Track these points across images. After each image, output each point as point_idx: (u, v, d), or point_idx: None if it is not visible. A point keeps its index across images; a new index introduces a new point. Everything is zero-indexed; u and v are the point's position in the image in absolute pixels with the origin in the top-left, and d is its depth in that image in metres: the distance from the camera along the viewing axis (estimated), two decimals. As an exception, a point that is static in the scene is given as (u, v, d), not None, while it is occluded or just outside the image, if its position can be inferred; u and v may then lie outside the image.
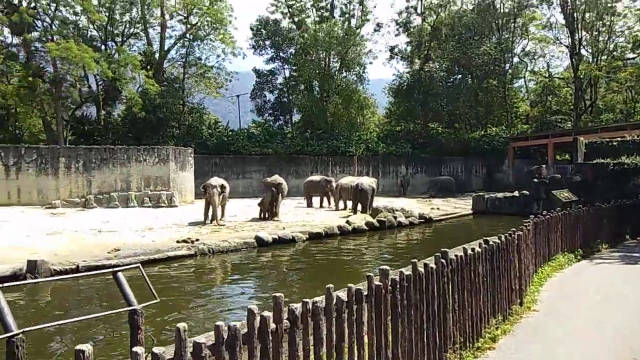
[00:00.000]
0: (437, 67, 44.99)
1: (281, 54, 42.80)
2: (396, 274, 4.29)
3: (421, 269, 4.56)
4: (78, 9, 31.80)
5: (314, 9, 43.67)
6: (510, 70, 45.98)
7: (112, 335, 7.03)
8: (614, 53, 43.71)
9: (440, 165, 39.63)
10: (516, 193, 24.81)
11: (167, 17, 36.56)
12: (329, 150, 36.25)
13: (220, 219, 18.53)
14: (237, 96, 43.63)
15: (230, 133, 36.93)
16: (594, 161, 20.71)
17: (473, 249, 5.72)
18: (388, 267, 4.16)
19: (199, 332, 5.70)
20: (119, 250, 12.88)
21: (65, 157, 23.74)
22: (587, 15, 41.98)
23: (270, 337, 3.03)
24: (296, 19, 43.12)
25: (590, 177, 20.10)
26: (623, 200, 14.72)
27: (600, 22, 42.34)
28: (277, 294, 3.15)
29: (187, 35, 36.91)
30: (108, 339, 6.96)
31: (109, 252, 12.55)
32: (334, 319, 3.54)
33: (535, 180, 23.14)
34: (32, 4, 30.36)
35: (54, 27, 32.24)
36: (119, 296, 3.99)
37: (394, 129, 43.95)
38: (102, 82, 34.19)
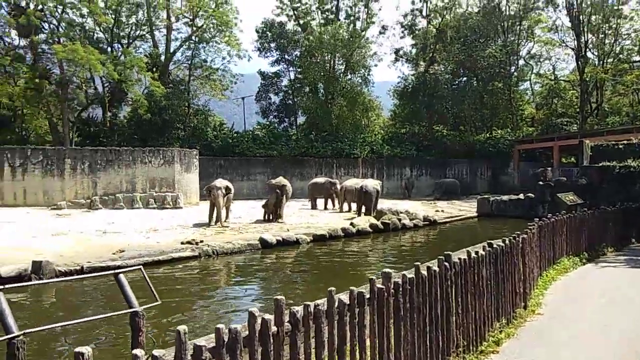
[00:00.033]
0: (442, 69, 44.91)
1: (286, 57, 42.85)
2: (399, 277, 4.27)
3: (424, 272, 4.54)
4: (85, 11, 31.96)
5: (319, 12, 43.71)
6: (515, 73, 45.85)
7: (114, 336, 7.04)
8: (620, 56, 43.51)
9: (445, 167, 39.53)
10: (521, 196, 24.69)
11: (173, 19, 36.72)
12: (333, 152, 36.24)
13: (225, 221, 18.57)
14: (242, 98, 43.73)
15: (235, 135, 36.98)
16: (600, 164, 20.61)
17: (477, 252, 5.69)
18: (390, 270, 4.15)
19: (202, 334, 5.70)
20: (123, 251, 12.93)
21: (71, 158, 23.83)
22: (593, 17, 41.82)
23: (272, 340, 3.02)
24: (301, 22, 43.16)
25: (596, 180, 20.00)
26: (629, 203, 14.64)
27: (607, 25, 42.15)
28: (279, 297, 3.14)
29: (193, 37, 37.02)
30: (111, 341, 6.97)
31: (113, 253, 12.60)
32: (335, 322, 3.53)
33: (541, 183, 23.06)
34: (40, 7, 30.51)
35: (60, 29, 32.41)
36: (123, 298, 3.99)
37: (399, 132, 43.88)
38: (108, 84, 34.32)
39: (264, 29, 42.62)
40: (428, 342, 4.51)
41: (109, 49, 34.59)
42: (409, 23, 46.70)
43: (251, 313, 2.97)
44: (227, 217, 19.18)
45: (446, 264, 4.95)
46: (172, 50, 37.13)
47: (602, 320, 6.84)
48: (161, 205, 24.05)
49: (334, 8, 43.49)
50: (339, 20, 42.28)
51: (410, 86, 44.52)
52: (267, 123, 41.77)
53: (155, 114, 32.48)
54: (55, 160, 23.54)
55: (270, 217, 19.58)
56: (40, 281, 8.47)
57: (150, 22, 36.14)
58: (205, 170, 28.62)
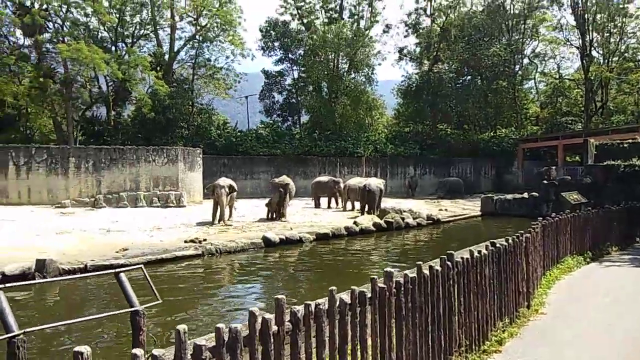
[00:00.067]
0: (446, 68, 44.81)
1: (290, 55, 42.84)
2: (401, 276, 4.26)
3: (426, 272, 4.53)
4: (89, 10, 32.02)
5: (323, 11, 43.68)
6: (520, 72, 45.68)
7: (116, 335, 7.05)
8: (626, 54, 43.32)
9: (449, 166, 39.44)
10: (525, 195, 24.61)
11: (176, 18, 36.73)
12: (337, 151, 36.22)
13: (228, 219, 18.59)
14: (246, 97, 43.74)
15: (239, 134, 37.01)
16: (605, 163, 20.53)
17: (480, 252, 5.67)
18: (392, 270, 4.13)
19: (205, 333, 5.70)
20: (127, 249, 12.96)
21: (75, 157, 23.91)
22: (598, 16, 41.63)
23: (272, 340, 3.01)
24: (305, 21, 43.14)
25: (600, 179, 19.92)
26: (633, 202, 14.56)
27: (612, 24, 41.95)
28: (280, 296, 3.13)
29: (197, 36, 37.05)
30: (113, 339, 6.99)
31: (117, 252, 12.63)
32: (337, 321, 3.52)
33: (545, 181, 22.97)
34: (44, 6, 30.60)
35: (65, 28, 32.51)
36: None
37: (403, 130, 43.80)
38: (112, 83, 34.41)
39: (268, 28, 42.62)
40: (430, 341, 4.49)
41: (113, 48, 34.68)
42: (413, 22, 46.61)
43: (251, 312, 2.97)
44: (230, 215, 19.19)
45: (449, 263, 4.93)
46: (176, 49, 37.16)
47: (606, 320, 6.81)
48: (165, 203, 24.10)
49: (337, 7, 43.45)
50: (343, 19, 42.24)
51: (414, 85, 44.42)
52: (271, 122, 41.78)
53: (159, 112, 32.53)
54: (60, 159, 23.62)
55: (274, 216, 19.59)
56: (41, 280, 8.48)
57: (154, 21, 36.20)
58: (208, 169, 28.65)
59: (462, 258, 5.23)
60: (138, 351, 2.36)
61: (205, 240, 14.41)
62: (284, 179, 20.43)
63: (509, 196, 25.64)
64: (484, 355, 5.36)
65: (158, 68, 34.47)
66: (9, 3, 31.52)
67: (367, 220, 18.72)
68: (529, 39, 46.21)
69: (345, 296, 3.67)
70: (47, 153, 23.71)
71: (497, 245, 6.19)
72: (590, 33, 41.90)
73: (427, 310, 4.48)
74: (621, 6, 40.95)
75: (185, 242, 14.20)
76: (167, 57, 36.72)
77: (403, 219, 19.43)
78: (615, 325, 6.55)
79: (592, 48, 42.79)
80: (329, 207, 25.09)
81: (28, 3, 31.32)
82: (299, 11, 43.11)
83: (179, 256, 12.66)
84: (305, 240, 15.46)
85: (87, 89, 33.77)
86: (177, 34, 37.45)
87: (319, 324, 3.37)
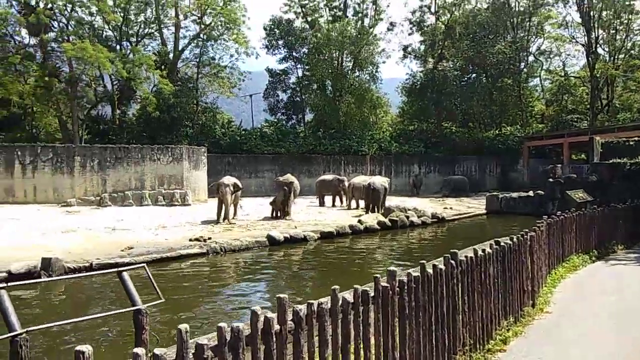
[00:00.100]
0: (451, 66, 44.65)
1: (294, 54, 42.79)
2: (404, 275, 4.24)
3: (430, 271, 4.51)
4: (93, 9, 32.13)
5: (327, 9, 43.61)
6: (525, 69, 45.45)
7: (121, 333, 7.07)
8: (632, 52, 43.00)
9: (454, 164, 39.33)
10: (531, 193, 24.51)
11: (181, 17, 36.80)
12: (341, 149, 36.19)
13: (233, 218, 18.62)
14: (250, 96, 43.74)
15: (243, 132, 37.04)
16: (610, 161, 20.44)
17: (484, 250, 5.65)
18: (395, 269, 4.12)
19: (210, 331, 5.71)
20: (132, 248, 13.01)
21: (80, 156, 23.99)
22: (604, 13, 41.33)
23: (274, 339, 3.01)
24: (309, 19, 43.08)
25: (606, 177, 19.82)
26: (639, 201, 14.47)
27: (618, 21, 41.64)
28: (282, 295, 3.13)
29: (201, 35, 37.09)
30: (118, 338, 7.00)
31: (122, 250, 12.68)
32: (339, 320, 3.51)
33: (550, 180, 22.87)
34: (49, 5, 30.72)
35: (70, 27, 32.60)
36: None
37: (407, 128, 43.71)
38: (117, 82, 34.52)
39: (272, 26, 42.60)
40: (434, 340, 4.48)
41: (118, 47, 34.78)
42: (418, 19, 46.44)
43: (253, 311, 2.97)
44: (235, 214, 19.24)
45: (452, 262, 4.91)
46: (180, 48, 37.24)
47: (612, 318, 6.78)
48: (170, 202, 24.16)
49: (342, 5, 43.37)
50: (347, 17, 42.15)
51: (418, 83, 44.31)
52: (275, 120, 41.78)
53: (164, 111, 32.62)
54: (65, 158, 23.71)
55: (278, 215, 19.60)
56: (45, 279, 8.54)
57: (158, 20, 36.26)
58: (213, 167, 28.69)
59: (466, 257, 5.22)
60: (140, 350, 2.36)
61: (210, 238, 14.44)
62: (289, 177, 20.43)
63: (514, 194, 25.54)
64: (488, 355, 5.34)
65: (162, 67, 34.55)
66: (14, 2, 31.72)
67: (372, 219, 18.69)
68: (534, 37, 45.99)
69: (348, 295, 3.66)
70: (52, 152, 23.80)
71: (502, 243, 6.17)
72: (596, 30, 41.63)
73: (431, 309, 4.47)
74: (627, 3, 40.61)
75: (190, 240, 14.23)
76: (171, 55, 36.80)
77: (408, 217, 19.39)
78: (620, 324, 6.52)
79: (598, 45, 42.52)
80: (333, 205, 25.09)
81: (33, 2, 31.46)
82: (303, 9, 43.06)
83: (184, 255, 12.69)
84: (310, 239, 15.46)
85: (92, 88, 33.90)
86: (181, 32, 37.59)
87: (322, 323, 3.36)
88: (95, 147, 25.52)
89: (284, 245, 14.71)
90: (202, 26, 36.97)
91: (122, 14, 33.94)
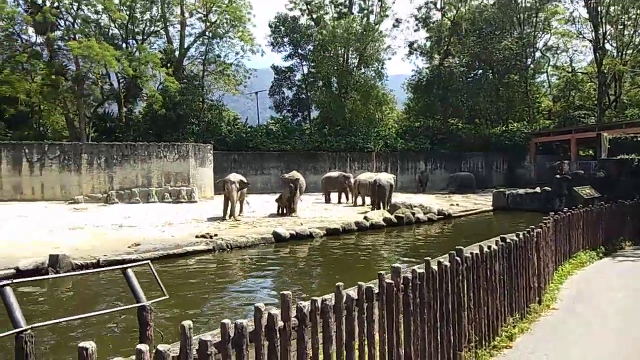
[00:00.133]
0: (457, 62, 44.47)
1: (299, 51, 42.75)
2: (408, 272, 4.23)
3: (434, 267, 4.50)
4: (99, 7, 32.23)
5: (333, 6, 43.51)
6: (532, 65, 45.17)
7: (125, 330, 7.10)
8: (640, 47, 42.66)
9: (460, 161, 39.20)
10: (538, 189, 24.39)
11: (186, 15, 36.83)
12: (347, 146, 36.16)
13: (239, 215, 18.66)
14: (256, 93, 43.75)
15: (249, 129, 37.09)
16: (618, 157, 20.29)
17: (489, 247, 5.63)
18: (400, 266, 4.11)
19: (216, 327, 5.73)
20: (139, 245, 13.07)
21: (87, 153, 24.11)
22: (611, 8, 40.94)
23: (278, 335, 3.01)
24: (314, 16, 43.02)
25: (614, 173, 19.68)
26: (648, 197, 14.34)
27: (626, 16, 41.24)
28: (285, 292, 3.13)
29: (207, 33, 37.12)
30: (123, 334, 7.04)
31: (129, 247, 12.74)
32: (343, 317, 3.51)
33: (558, 176, 22.75)
34: (55, 4, 30.83)
35: (76, 25, 32.71)
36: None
37: (413, 125, 43.60)
38: (123, 80, 34.63)
39: (277, 23, 42.57)
40: (439, 337, 4.47)
41: (124, 45, 34.88)
42: (423, 16, 46.27)
43: (257, 308, 2.97)
44: (241, 211, 19.28)
45: (458, 258, 4.90)
46: (186, 45, 37.29)
47: (619, 315, 6.74)
48: (176, 199, 24.25)
49: (347, 2, 43.25)
50: (353, 13, 42.06)
51: (424, 79, 44.17)
52: (281, 117, 41.77)
53: (170, 109, 32.70)
54: (72, 156, 23.84)
55: (284, 211, 19.62)
56: (50, 276, 8.61)
57: (164, 18, 36.32)
58: (219, 164, 28.75)
59: (471, 253, 5.20)
60: (143, 347, 2.36)
61: (216, 235, 14.49)
62: (294, 174, 20.44)
63: (521, 191, 25.43)
64: (494, 351, 5.33)
65: (168, 65, 34.61)
66: (21, 1, 31.87)
67: (378, 216, 18.66)
68: (541, 32, 45.67)
69: (353, 292, 3.66)
70: (59, 149, 23.93)
71: (508, 240, 6.14)
72: (604, 25, 41.25)
73: (436, 306, 4.46)
74: (635, -2, 40.27)
75: (197, 237, 14.28)
76: (177, 53, 36.87)
77: (414, 214, 19.35)
78: (628, 321, 6.48)
79: (606, 41, 42.14)
80: (339, 202, 25.08)
81: (40, 1, 31.60)
82: (308, 6, 42.99)
83: (190, 251, 12.73)
84: (316, 236, 15.47)
85: (99, 86, 34.02)
86: (187, 30, 37.60)
87: (326, 320, 3.36)
88: (102, 144, 25.63)
89: (290, 241, 14.73)
90: (208, 24, 36.99)
91: (127, 12, 34.03)
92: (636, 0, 40.02)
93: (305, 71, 43.27)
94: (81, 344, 2.25)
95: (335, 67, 39.71)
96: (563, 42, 46.26)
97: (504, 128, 42.06)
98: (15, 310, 2.86)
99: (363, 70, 41.32)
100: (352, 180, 24.59)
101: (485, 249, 5.51)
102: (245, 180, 18.96)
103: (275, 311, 3.04)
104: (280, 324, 3.05)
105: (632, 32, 42.11)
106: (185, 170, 25.34)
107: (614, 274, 9.37)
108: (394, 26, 46.80)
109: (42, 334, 6.80)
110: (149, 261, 4.31)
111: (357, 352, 3.58)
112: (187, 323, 2.56)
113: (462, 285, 4.92)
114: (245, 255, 13.21)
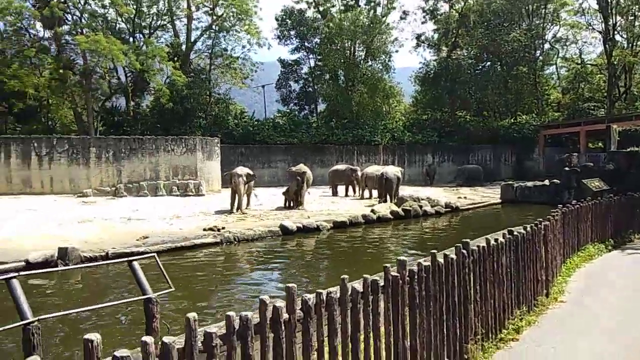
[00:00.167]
0: (465, 54, 44.15)
1: (306, 44, 42.60)
2: (414, 265, 4.23)
3: (440, 260, 4.49)
4: (106, 1, 32.29)
5: (339, -2, 43.29)
6: (541, 57, 44.72)
7: (133, 322, 7.16)
8: (651, 38, 42.11)
9: (468, 153, 39.02)
10: (546, 182, 24.24)
11: (193, 8, 36.76)
12: (354, 139, 36.09)
13: (246, 208, 18.71)
14: (263, 86, 43.73)
15: (256, 123, 37.11)
16: (628, 149, 20.12)
17: (496, 240, 5.60)
18: (405, 258, 4.10)
19: (222, 320, 5.76)
20: (147, 238, 13.15)
21: (95, 147, 24.24)
22: (622, -1, 40.49)
23: (283, 327, 3.02)
24: (321, 8, 42.80)
25: (623, 166, 19.53)
26: (658, 190, 14.22)
27: (636, 6, 40.69)
28: (290, 285, 3.13)
29: (213, 26, 37.07)
30: (130, 326, 7.09)
31: (137, 240, 12.82)
32: (348, 309, 3.51)
33: (567, 168, 22.59)
34: (63, -2, 30.94)
35: (83, 20, 32.82)
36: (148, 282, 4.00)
37: (421, 118, 43.42)
38: (131, 74, 34.71)
39: (284, 16, 42.44)
40: (445, 329, 4.46)
41: (131, 39, 34.92)
42: (431, 8, 45.94)
43: (262, 300, 2.98)
44: (248, 204, 19.33)
45: (464, 251, 4.88)
46: (192, 39, 37.25)
47: (627, 308, 6.69)
48: (184, 192, 24.34)
49: (354, -7, 43.00)
50: (359, 6, 41.78)
51: (432, 72, 43.92)
52: (288, 111, 41.75)
53: (177, 103, 32.78)
54: (81, 149, 23.98)
55: (291, 204, 19.65)
56: (58, 268, 8.71)
57: (170, 11, 36.31)
58: (226, 158, 28.82)
59: (478, 246, 5.18)
60: (148, 339, 2.38)
61: (223, 228, 14.54)
62: (301, 167, 20.45)
63: (530, 183, 25.28)
64: (500, 344, 5.32)
65: (175, 58, 34.66)
66: (29, -4, 31.94)
67: (385, 209, 18.64)
68: (549, 24, 45.18)
69: (358, 285, 3.66)
70: (68, 143, 24.08)
71: (515, 233, 6.11)
72: (614, 17, 40.75)
73: (442, 299, 4.45)
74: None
75: (204, 230, 14.34)
76: (184, 47, 36.87)
77: (421, 207, 19.29)
78: (637, 314, 6.44)
79: (616, 32, 41.64)
80: (346, 195, 25.07)
81: (47, -5, 31.66)
82: (315, -1, 42.81)
83: (198, 244, 12.81)
84: (323, 229, 15.49)
85: (106, 80, 34.13)
86: (193, 24, 37.53)
87: (331, 312, 3.36)
88: (110, 138, 25.74)
89: (297, 234, 14.76)
90: (214, 17, 36.94)
91: (134, 6, 34.03)
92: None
93: (312, 64, 43.16)
94: (86, 336, 2.26)
95: (342, 60, 39.56)
96: (572, 34, 45.75)
97: (512, 120, 41.76)
98: (22, 303, 2.88)
99: (370, 63, 41.14)
100: (359, 173, 24.56)
101: (492, 241, 5.49)
102: (252, 173, 19.00)
103: (280, 304, 3.05)
104: (285, 316, 3.06)
105: (643, 23, 41.59)
106: (193, 163, 25.42)
107: (623, 267, 9.31)
108: (401, 18, 46.52)
109: (53, 325, 6.88)
110: (154, 254, 4.33)
111: (362, 345, 3.58)
112: (191, 315, 2.57)
113: (469, 278, 4.91)
114: (252, 248, 13.26)
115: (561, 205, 8.98)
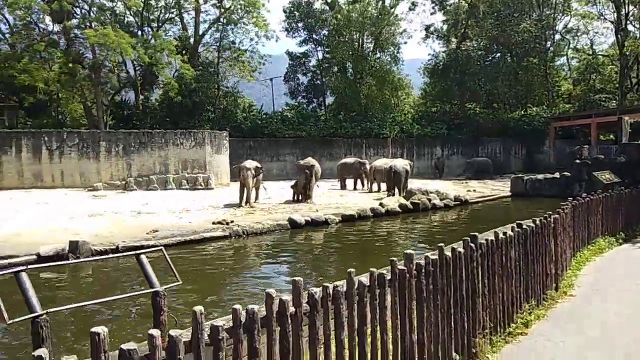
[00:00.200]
0: (475, 45, 43.72)
1: (314, 36, 42.39)
2: (421, 258, 4.22)
3: (448, 254, 4.47)
4: (115, -5, 32.42)
5: (348, -11, 43.00)
6: (551, 48, 44.23)
7: (142, 315, 7.22)
8: (664, 27, 41.55)
9: (478, 146, 38.76)
10: (557, 174, 24.03)
11: (201, 1, 36.75)
12: (362, 132, 35.99)
13: (255, 201, 18.75)
14: (271, 79, 43.67)
15: (264, 116, 37.14)
16: (640, 141, 19.87)
17: (505, 233, 5.57)
18: (412, 252, 4.09)
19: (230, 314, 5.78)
20: (157, 231, 13.24)
21: (105, 141, 24.39)
22: (634, -12, 39.88)
23: (289, 321, 3.03)
24: (329, 0, 42.60)
25: (635, 158, 19.32)
26: (670, 182, 14.07)
27: (650, -5, 40.14)
28: (297, 278, 3.14)
29: (221, 19, 37.05)
30: (139, 319, 7.15)
31: (147, 233, 12.92)
32: (355, 303, 3.52)
33: (577, 161, 22.38)
34: (71, -8, 31.04)
35: (92, 14, 32.95)
36: (156, 276, 4.03)
37: (430, 110, 43.14)
38: (140, 68, 34.84)
39: (292, 8, 42.26)
40: (453, 323, 4.45)
41: (139, 32, 35.01)
42: (440, -2, 45.52)
43: (268, 294, 2.99)
44: (257, 197, 19.37)
45: (472, 245, 4.86)
46: (200, 32, 37.30)
47: (637, 301, 6.64)
48: (193, 186, 24.46)
49: (362, -15, 42.67)
50: (368, -3, 41.50)
51: (441, 63, 43.60)
52: (296, 104, 41.70)
53: (186, 96, 32.88)
54: (91, 143, 24.14)
55: (300, 198, 19.66)
56: (68, 261, 8.82)
57: (178, 4, 36.33)
58: (235, 151, 28.88)
59: (486, 240, 5.15)
60: (155, 332, 2.40)
61: (232, 221, 14.59)
62: (310, 160, 20.45)
63: (540, 176, 25.06)
64: (509, 337, 5.30)
65: (184, 52, 34.72)
66: (38, -10, 32.06)
67: (393, 202, 18.61)
68: (560, 14, 44.63)
69: (364, 278, 3.66)
70: (78, 137, 24.25)
71: (524, 226, 6.08)
72: (626, 6, 40.16)
73: (450, 293, 4.44)
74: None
75: (213, 223, 14.40)
76: (192, 40, 36.92)
77: (430, 200, 19.21)
78: (646, 308, 6.38)
79: (628, 22, 41.06)
80: (354, 188, 25.04)
81: (56, -11, 31.78)
82: (323, -9, 42.57)
83: (207, 237, 12.87)
84: (331, 222, 15.49)
85: (115, 74, 34.31)
86: (201, 17, 37.55)
87: (337, 306, 3.37)
88: (120, 132, 25.90)
89: (306, 228, 14.78)
90: (222, 10, 36.92)
91: (142, 0, 34.09)
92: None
93: (320, 57, 42.98)
94: (93, 329, 2.28)
95: (350, 52, 39.39)
96: (583, 24, 45.18)
97: (522, 112, 41.37)
98: (31, 296, 2.92)
99: (378, 55, 40.93)
100: (368, 167, 24.51)
101: (501, 235, 5.46)
102: (260, 167, 19.02)
103: (287, 297, 3.06)
104: (292, 309, 3.07)
105: (656, 13, 40.99)
106: (202, 157, 25.51)
107: (634, 260, 9.23)
108: (410, 9, 46.10)
109: (64, 318, 6.95)
110: (162, 247, 4.35)
111: (369, 338, 3.59)
112: (198, 308, 2.58)
113: (477, 271, 4.89)
114: (261, 241, 13.31)
115: (571, 198, 8.91)
